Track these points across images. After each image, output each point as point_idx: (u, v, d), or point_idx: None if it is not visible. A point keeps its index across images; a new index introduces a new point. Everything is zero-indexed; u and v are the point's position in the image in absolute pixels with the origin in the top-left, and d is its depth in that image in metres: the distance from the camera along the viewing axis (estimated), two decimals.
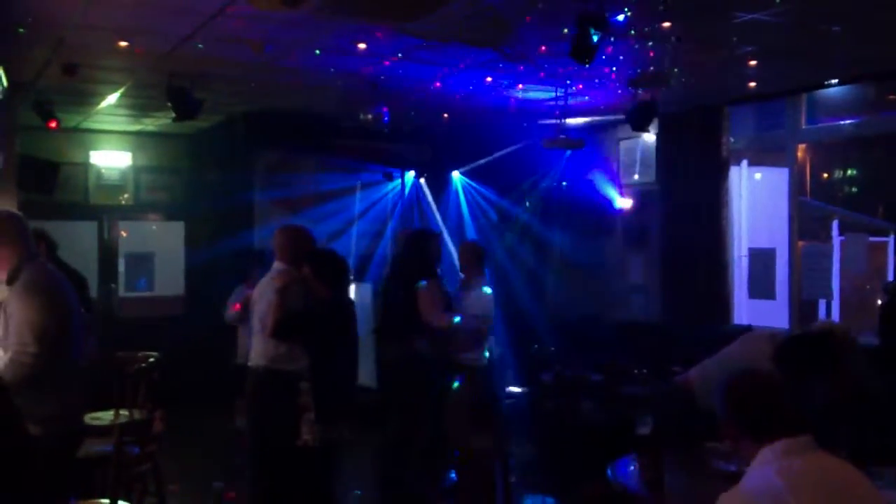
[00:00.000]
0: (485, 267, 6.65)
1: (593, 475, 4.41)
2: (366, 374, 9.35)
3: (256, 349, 5.18)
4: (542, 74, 6.99)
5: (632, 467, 3.91)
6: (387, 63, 6.59)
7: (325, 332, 4.64)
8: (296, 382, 4.80)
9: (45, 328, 3.64)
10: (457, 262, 6.96)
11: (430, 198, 10.49)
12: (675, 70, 6.77)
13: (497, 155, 9.91)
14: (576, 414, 7.27)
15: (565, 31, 5.32)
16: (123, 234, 10.39)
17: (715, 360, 5.17)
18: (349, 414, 4.65)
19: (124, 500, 4.39)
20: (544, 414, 7.48)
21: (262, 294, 5.14)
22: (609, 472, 3.97)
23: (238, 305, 6.81)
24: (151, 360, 6.15)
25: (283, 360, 5.04)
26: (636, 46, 6.03)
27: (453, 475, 6.65)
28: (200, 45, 5.98)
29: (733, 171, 8.48)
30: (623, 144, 9.60)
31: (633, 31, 5.53)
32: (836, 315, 8.37)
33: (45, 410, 3.66)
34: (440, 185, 10.60)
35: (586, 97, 7.99)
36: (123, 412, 5.89)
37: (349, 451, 5.52)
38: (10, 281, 3.77)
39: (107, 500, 4.31)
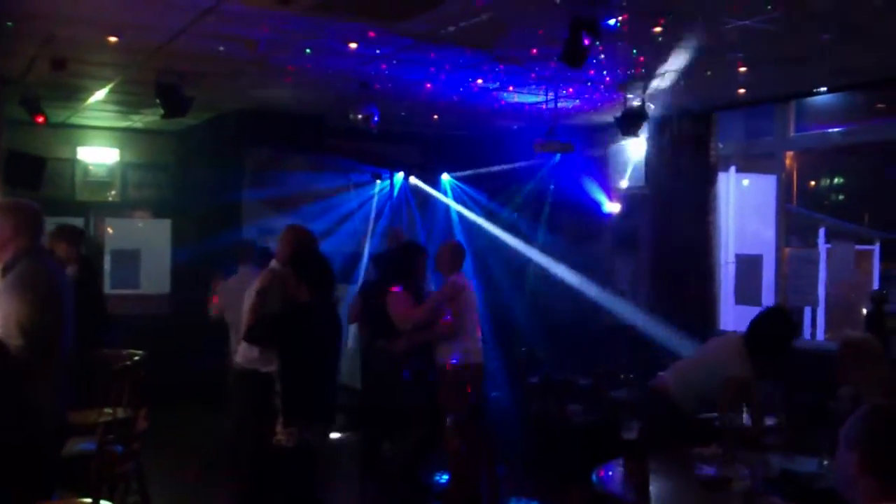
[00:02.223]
0: (462, 267, 6.49)
1: (579, 479, 4.42)
2: (353, 375, 9.39)
3: (238, 349, 5.17)
4: (532, 76, 6.99)
5: (617, 472, 3.91)
6: (378, 63, 6.58)
7: (297, 336, 4.48)
8: (272, 384, 4.72)
9: (31, 322, 3.62)
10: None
11: (432, 192, 10.45)
12: (666, 75, 6.79)
13: (491, 169, 9.89)
14: (563, 417, 7.28)
15: (557, 34, 5.32)
16: (110, 230, 10.33)
17: (689, 362, 5.18)
18: (326, 417, 4.54)
19: (107, 498, 4.36)
20: (531, 417, 7.48)
21: (249, 295, 5.12)
22: (595, 476, 3.97)
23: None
24: (136, 358, 6.12)
25: (259, 361, 5.01)
26: (628, 50, 6.04)
27: (442, 478, 6.65)
28: (190, 42, 5.95)
29: (721, 177, 8.50)
30: (612, 149, 9.61)
31: (623, 30, 5.52)
32: (821, 323, 8.41)
33: (30, 408, 3.64)
34: (430, 187, 10.59)
35: (577, 101, 8.00)
36: (107, 410, 5.86)
37: (332, 452, 5.48)
38: (5, 272, 3.74)
39: (90, 499, 4.28)
